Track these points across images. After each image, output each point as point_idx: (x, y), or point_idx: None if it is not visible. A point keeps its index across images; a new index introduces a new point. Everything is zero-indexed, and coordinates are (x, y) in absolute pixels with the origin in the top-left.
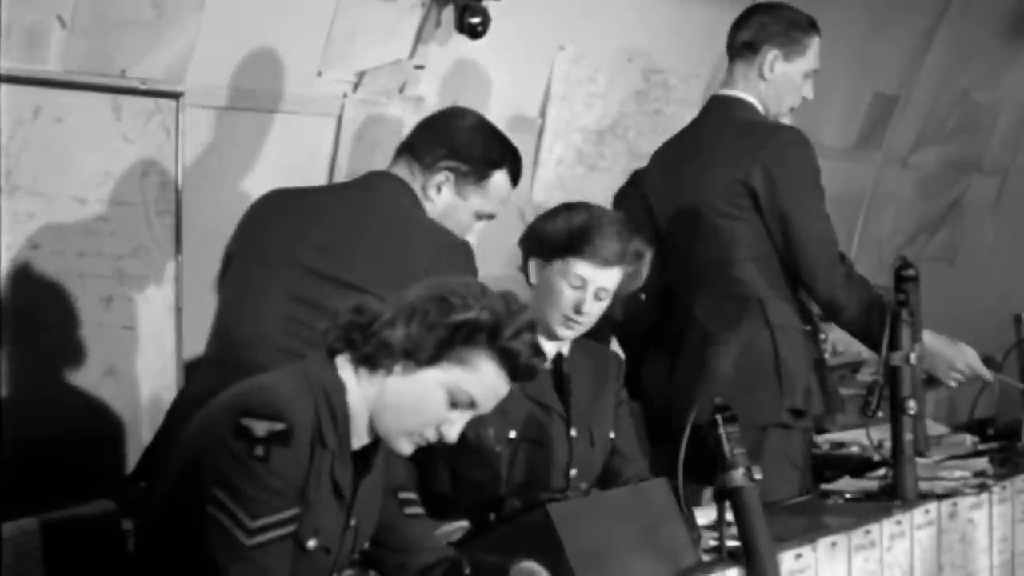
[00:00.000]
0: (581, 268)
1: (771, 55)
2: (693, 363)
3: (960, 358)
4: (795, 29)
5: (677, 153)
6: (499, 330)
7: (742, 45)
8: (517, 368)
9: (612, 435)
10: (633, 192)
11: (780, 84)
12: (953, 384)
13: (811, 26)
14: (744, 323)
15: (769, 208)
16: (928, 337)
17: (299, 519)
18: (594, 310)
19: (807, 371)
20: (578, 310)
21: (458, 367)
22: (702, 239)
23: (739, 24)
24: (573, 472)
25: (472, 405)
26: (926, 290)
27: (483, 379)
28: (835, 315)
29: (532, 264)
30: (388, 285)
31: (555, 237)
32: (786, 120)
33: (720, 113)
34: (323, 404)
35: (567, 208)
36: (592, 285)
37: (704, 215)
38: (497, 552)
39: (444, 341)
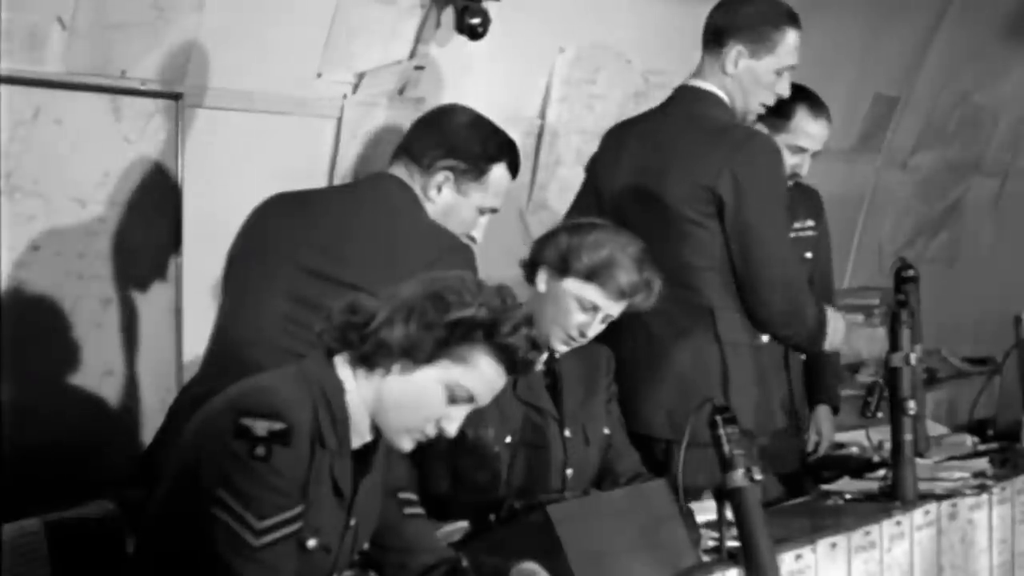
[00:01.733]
0: (596, 296)
1: (735, 51)
2: (637, 365)
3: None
4: (764, 24)
5: (637, 142)
6: (497, 327)
7: (709, 35)
8: (515, 363)
9: (606, 431)
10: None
11: (746, 81)
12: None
13: (785, 20)
14: (694, 335)
15: (733, 217)
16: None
17: (303, 517)
18: (596, 332)
19: (757, 388)
20: (583, 333)
21: (456, 364)
22: (661, 240)
23: (714, 10)
24: (569, 472)
25: (471, 400)
26: (926, 291)
27: (481, 375)
28: (767, 331)
29: (544, 272)
30: (388, 286)
31: (576, 259)
32: (751, 119)
33: (686, 106)
34: (322, 404)
35: (592, 229)
36: (602, 312)
37: (668, 217)
38: (497, 553)
39: (442, 340)
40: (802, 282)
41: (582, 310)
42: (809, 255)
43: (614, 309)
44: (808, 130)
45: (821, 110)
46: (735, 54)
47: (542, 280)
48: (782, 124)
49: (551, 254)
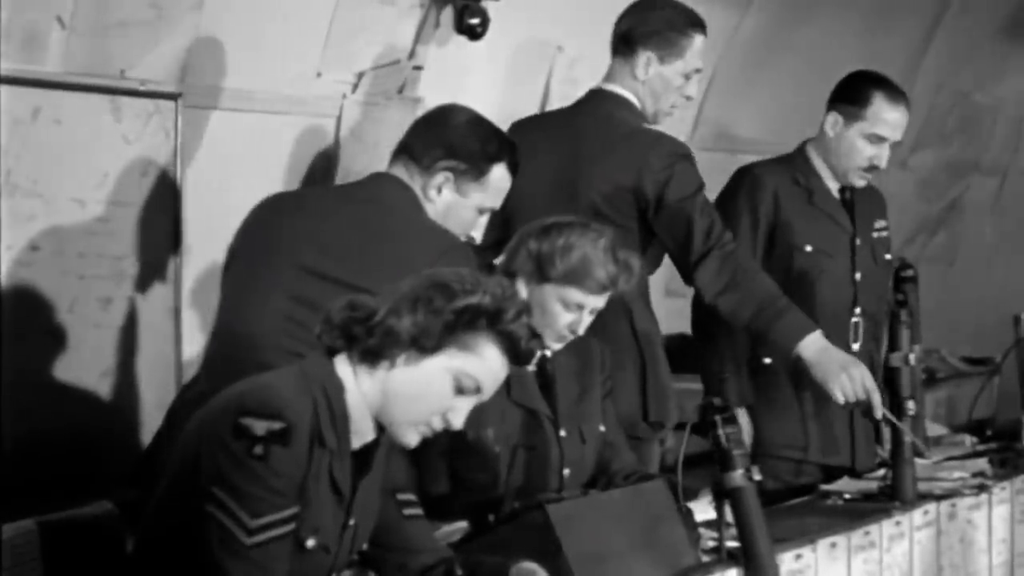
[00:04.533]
0: (579, 297)
1: (645, 57)
2: None
3: (856, 368)
4: (671, 30)
5: (551, 143)
6: (500, 314)
7: (619, 40)
8: (518, 351)
9: (602, 428)
10: None
11: (656, 85)
12: (839, 394)
13: (691, 26)
14: (611, 329)
15: (656, 210)
16: (821, 339)
17: (299, 518)
18: (587, 325)
19: (668, 380)
20: (573, 330)
21: (462, 352)
22: None
23: (621, 17)
24: (566, 473)
25: (477, 390)
26: (925, 291)
27: (487, 364)
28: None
29: (522, 279)
30: (388, 286)
31: (551, 266)
32: (661, 120)
33: (599, 109)
34: (322, 403)
35: (557, 230)
36: (588, 307)
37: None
38: (497, 553)
39: (450, 325)
40: (743, 258)
41: (568, 310)
42: (888, 256)
43: (600, 302)
44: (886, 118)
45: (899, 97)
46: (645, 60)
47: (522, 287)
48: (857, 112)
49: (524, 264)
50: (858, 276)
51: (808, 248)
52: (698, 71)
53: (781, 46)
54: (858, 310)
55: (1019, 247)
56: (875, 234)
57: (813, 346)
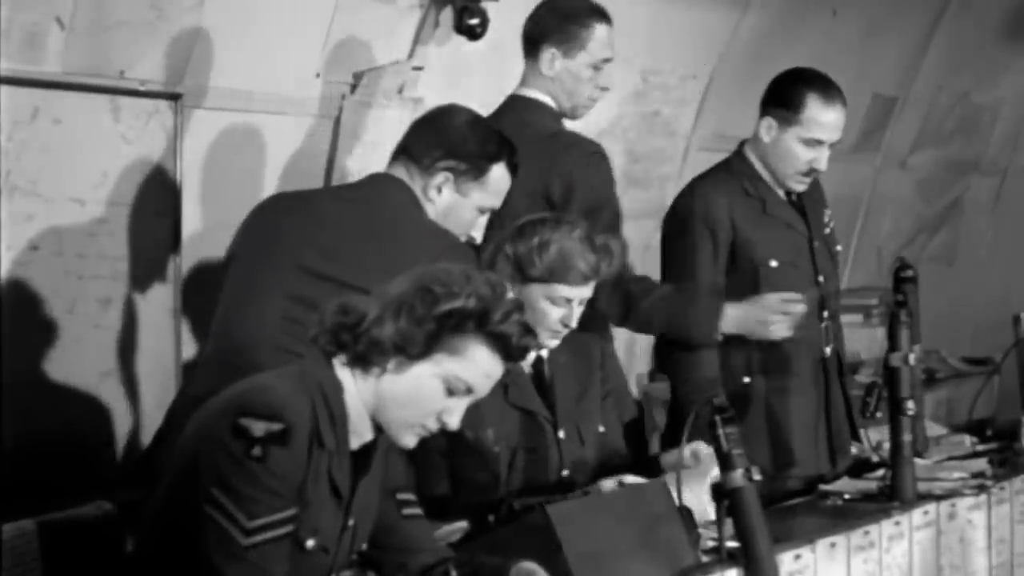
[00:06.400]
0: (564, 291)
1: (549, 54)
2: None
3: (766, 310)
4: (570, 23)
5: None
6: (487, 315)
7: (525, 42)
8: (510, 350)
9: (602, 429)
10: None
11: (565, 80)
12: (780, 336)
13: (591, 15)
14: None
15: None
16: (732, 309)
17: (296, 519)
18: (579, 316)
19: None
20: (566, 324)
21: (451, 356)
22: None
23: (526, 21)
24: (565, 473)
25: (469, 391)
26: (925, 291)
27: (477, 365)
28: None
29: (507, 283)
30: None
31: (531, 266)
32: (581, 114)
33: (516, 115)
34: (321, 404)
35: (531, 229)
36: (576, 299)
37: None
38: (497, 553)
39: (433, 333)
40: (628, 273)
41: (556, 306)
42: (839, 248)
43: (586, 292)
44: (821, 120)
45: (833, 96)
46: (549, 57)
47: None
48: (791, 116)
49: (504, 268)
50: (821, 279)
51: (773, 263)
52: (607, 60)
53: (781, 45)
54: (826, 314)
55: (1019, 247)
56: (826, 229)
57: (731, 320)
